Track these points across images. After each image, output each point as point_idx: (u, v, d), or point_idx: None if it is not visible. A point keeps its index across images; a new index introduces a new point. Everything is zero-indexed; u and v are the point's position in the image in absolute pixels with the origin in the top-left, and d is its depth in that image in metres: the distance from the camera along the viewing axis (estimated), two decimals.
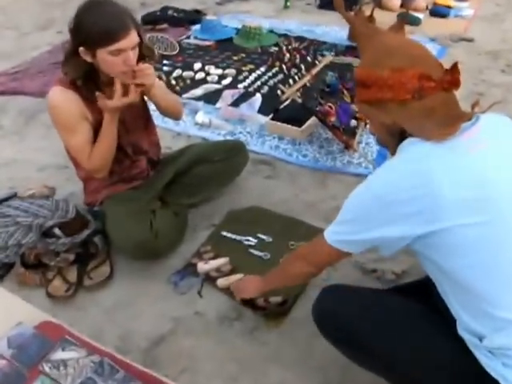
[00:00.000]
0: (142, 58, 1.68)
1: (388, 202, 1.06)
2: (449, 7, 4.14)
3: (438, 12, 4.10)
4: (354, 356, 1.29)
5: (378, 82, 1.09)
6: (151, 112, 2.00)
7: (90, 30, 1.54)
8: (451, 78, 1.08)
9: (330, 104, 2.35)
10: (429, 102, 1.07)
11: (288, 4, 4.41)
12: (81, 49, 1.58)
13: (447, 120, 1.06)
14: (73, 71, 1.65)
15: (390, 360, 1.19)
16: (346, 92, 2.42)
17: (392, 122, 1.11)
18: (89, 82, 1.67)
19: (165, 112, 1.94)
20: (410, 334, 1.17)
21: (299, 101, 2.37)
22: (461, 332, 1.11)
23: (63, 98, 1.68)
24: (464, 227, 1.01)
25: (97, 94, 1.63)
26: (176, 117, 2.03)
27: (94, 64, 1.62)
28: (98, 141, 1.73)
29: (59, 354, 1.39)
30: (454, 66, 1.09)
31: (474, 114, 1.10)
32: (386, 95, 1.09)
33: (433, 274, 1.15)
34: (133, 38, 1.58)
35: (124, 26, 1.54)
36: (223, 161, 2.09)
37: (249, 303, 1.67)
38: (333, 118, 2.31)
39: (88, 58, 1.60)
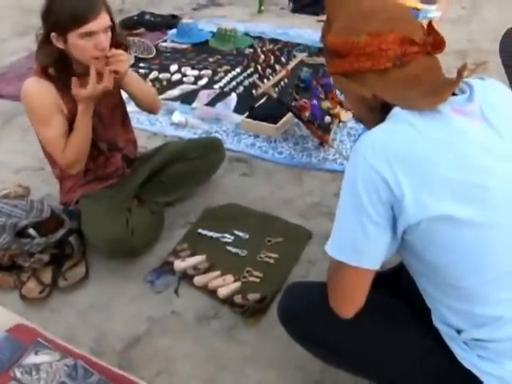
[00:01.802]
0: (116, 46, 1.65)
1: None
2: (417, 9, 4.21)
3: None
4: (322, 357, 1.22)
5: (354, 50, 0.98)
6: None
7: (60, 13, 1.53)
8: (434, 39, 0.98)
9: (304, 100, 2.35)
10: (412, 70, 0.97)
11: (262, 8, 4.44)
12: (52, 34, 1.57)
13: (434, 89, 0.96)
14: (44, 58, 1.63)
15: (361, 361, 1.12)
16: (319, 88, 2.42)
17: (371, 95, 0.99)
18: (62, 72, 1.64)
19: (140, 103, 1.89)
20: (380, 332, 1.10)
21: (274, 95, 2.37)
22: (436, 323, 1.07)
23: (38, 89, 1.66)
24: (453, 219, 0.91)
25: (73, 79, 1.60)
26: (152, 108, 1.97)
27: (66, 51, 1.60)
28: (72, 133, 1.70)
29: (32, 358, 1.36)
30: (431, 26, 0.99)
31: (462, 80, 0.98)
32: (364, 65, 0.98)
33: (417, 269, 1.06)
34: (103, 19, 1.56)
35: (94, 8, 1.54)
36: (200, 158, 2.07)
37: (227, 300, 1.65)
38: (307, 113, 2.31)
39: (60, 45, 1.58)
